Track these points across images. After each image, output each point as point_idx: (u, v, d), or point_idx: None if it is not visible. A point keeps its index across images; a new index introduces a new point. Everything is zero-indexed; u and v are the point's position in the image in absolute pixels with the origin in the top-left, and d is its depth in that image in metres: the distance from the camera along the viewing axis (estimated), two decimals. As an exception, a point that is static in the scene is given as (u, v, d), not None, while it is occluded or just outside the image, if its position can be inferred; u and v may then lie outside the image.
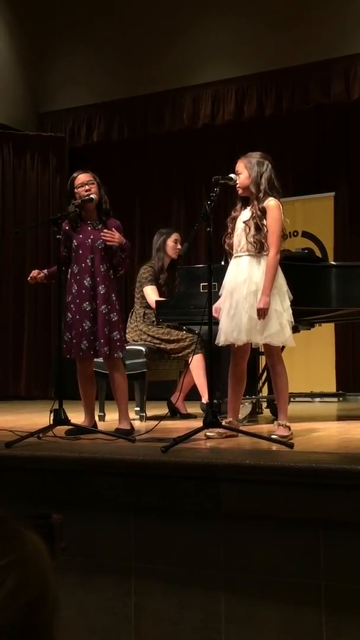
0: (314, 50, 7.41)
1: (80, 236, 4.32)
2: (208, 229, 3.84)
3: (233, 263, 4.04)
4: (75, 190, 4.35)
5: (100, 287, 4.27)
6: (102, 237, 4.24)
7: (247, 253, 3.96)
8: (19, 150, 8.56)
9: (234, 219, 4.06)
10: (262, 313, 3.83)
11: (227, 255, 4.18)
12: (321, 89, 7.48)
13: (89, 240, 4.30)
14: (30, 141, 8.59)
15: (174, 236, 5.77)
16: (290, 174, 8.09)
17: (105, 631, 3.32)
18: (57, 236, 4.22)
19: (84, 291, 4.28)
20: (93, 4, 8.60)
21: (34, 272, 4.43)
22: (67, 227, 4.33)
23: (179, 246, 5.71)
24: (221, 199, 4.05)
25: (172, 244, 5.73)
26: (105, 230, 4.25)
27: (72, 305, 4.30)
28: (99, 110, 8.63)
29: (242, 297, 3.92)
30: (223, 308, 4.02)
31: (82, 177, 4.37)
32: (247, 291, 3.91)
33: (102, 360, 4.61)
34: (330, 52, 7.36)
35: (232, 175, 4.03)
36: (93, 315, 4.25)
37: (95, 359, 4.53)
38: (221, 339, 4.00)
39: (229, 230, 4.06)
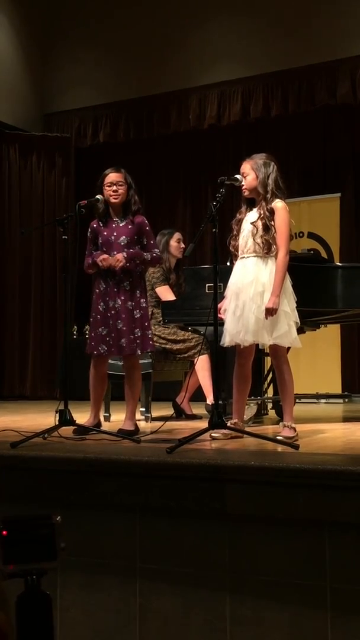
0: (320, 51, 7.41)
1: (105, 233, 4.31)
2: (214, 230, 3.85)
3: (239, 264, 4.04)
4: (104, 187, 4.32)
5: (124, 284, 4.24)
6: (110, 265, 4.21)
7: (254, 254, 3.96)
8: (25, 150, 8.57)
9: (239, 221, 4.07)
10: (271, 313, 3.83)
11: (232, 257, 4.17)
12: (327, 89, 7.47)
13: (113, 237, 4.29)
14: (36, 142, 8.60)
15: (177, 236, 5.77)
16: (297, 175, 8.09)
17: (110, 631, 3.32)
18: (63, 237, 4.22)
19: (108, 288, 4.26)
20: (99, 5, 8.61)
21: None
22: (95, 225, 4.35)
23: (182, 245, 5.71)
24: (227, 199, 4.05)
25: (175, 244, 5.73)
26: (110, 262, 4.20)
27: (98, 303, 4.28)
28: (105, 111, 8.64)
29: (249, 298, 3.92)
30: (228, 309, 4.02)
31: (112, 176, 4.31)
32: (254, 292, 3.91)
33: (113, 362, 4.60)
34: (336, 53, 7.35)
35: (237, 176, 4.03)
36: (116, 313, 4.23)
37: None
38: (226, 340, 4.00)
39: (234, 232, 4.06)
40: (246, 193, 4.04)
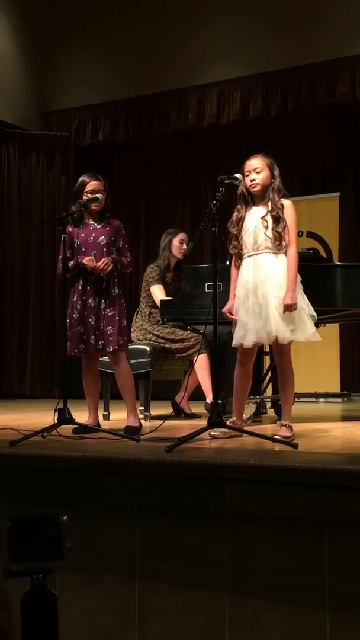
0: (320, 50, 7.40)
1: (83, 235, 4.37)
2: (213, 229, 3.84)
3: (249, 262, 3.99)
4: (84, 194, 4.36)
5: (102, 285, 4.31)
6: (98, 269, 4.26)
7: (266, 250, 3.95)
8: (24, 149, 8.57)
9: (240, 221, 4.04)
10: (290, 308, 3.84)
11: (230, 258, 4.13)
12: (327, 88, 7.46)
13: (91, 238, 4.36)
14: (35, 140, 8.60)
15: (180, 236, 5.77)
16: (296, 174, 8.09)
17: (109, 631, 3.32)
18: (63, 235, 4.24)
19: (88, 287, 4.32)
20: (99, 4, 8.60)
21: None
22: (70, 229, 4.37)
23: (184, 246, 5.70)
24: (227, 198, 4.04)
25: (177, 244, 5.73)
26: (99, 265, 4.25)
27: (77, 303, 4.32)
28: (105, 109, 8.63)
29: (270, 294, 3.89)
30: (242, 308, 3.97)
31: (93, 184, 4.38)
32: (273, 286, 3.90)
33: (108, 360, 4.62)
34: (336, 52, 7.35)
35: (237, 175, 4.02)
36: (91, 311, 4.29)
37: (100, 358, 4.55)
38: (249, 339, 3.93)
39: (234, 232, 4.03)
40: (257, 188, 4.01)
